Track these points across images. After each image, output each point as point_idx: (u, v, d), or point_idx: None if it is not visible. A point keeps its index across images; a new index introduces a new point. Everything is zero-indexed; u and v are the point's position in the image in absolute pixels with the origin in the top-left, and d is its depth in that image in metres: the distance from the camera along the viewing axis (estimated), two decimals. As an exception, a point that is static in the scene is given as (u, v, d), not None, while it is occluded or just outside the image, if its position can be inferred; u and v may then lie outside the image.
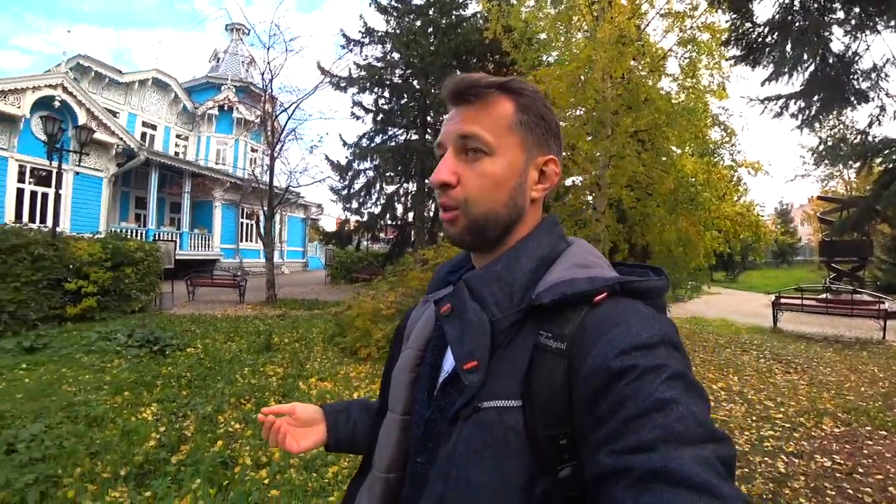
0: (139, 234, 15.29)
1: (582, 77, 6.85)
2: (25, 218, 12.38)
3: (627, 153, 7.03)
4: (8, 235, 6.95)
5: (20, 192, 12.59)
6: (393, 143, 16.94)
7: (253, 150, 22.36)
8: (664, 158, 7.54)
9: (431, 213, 20.89)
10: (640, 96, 7.18)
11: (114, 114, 17.28)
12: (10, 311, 6.75)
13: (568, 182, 11.79)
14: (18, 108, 11.92)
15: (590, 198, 9.69)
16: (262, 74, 12.39)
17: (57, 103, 12.90)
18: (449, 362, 0.60)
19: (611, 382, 0.45)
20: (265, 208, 12.81)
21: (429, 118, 16.28)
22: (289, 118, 13.08)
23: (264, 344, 6.53)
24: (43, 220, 13.25)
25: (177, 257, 15.85)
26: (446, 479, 0.51)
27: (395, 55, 15.13)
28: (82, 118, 13.59)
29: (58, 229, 13.22)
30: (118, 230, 14.90)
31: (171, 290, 11.29)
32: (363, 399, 0.91)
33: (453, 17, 14.70)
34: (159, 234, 16.07)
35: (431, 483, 0.53)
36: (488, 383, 0.52)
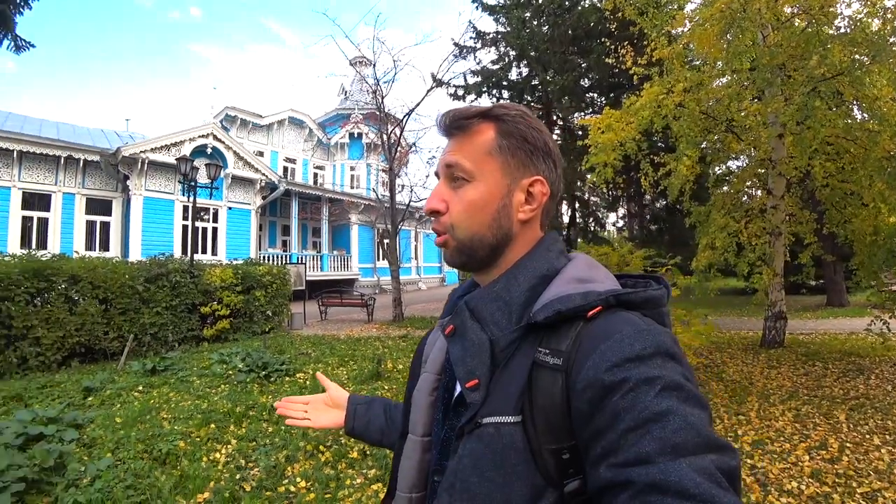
0: (284, 259, 16.64)
1: (739, 12, 5.08)
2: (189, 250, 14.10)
3: (817, 105, 5.07)
4: (150, 266, 7.58)
5: (185, 228, 14.39)
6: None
7: (384, 172, 23.30)
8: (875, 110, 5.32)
9: (567, 218, 19.32)
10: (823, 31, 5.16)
11: (260, 153, 19.35)
12: (153, 334, 7.31)
13: (731, 166, 9.58)
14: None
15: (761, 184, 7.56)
16: (374, 92, 12.47)
17: (209, 149, 14.65)
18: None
19: (605, 396, 0.45)
20: (388, 226, 12.79)
21: (553, 115, 14.97)
22: (402, 131, 12.95)
23: (374, 371, 5.97)
24: (204, 251, 15.10)
25: (314, 278, 16.98)
26: (451, 492, 0.52)
27: (512, 53, 14.25)
28: (231, 160, 15.30)
29: (216, 258, 15.06)
30: (266, 255, 16.42)
31: (303, 310, 11.74)
32: (388, 399, 0.91)
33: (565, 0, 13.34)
34: (302, 258, 17.31)
35: (439, 495, 0.54)
36: (489, 400, 0.53)
